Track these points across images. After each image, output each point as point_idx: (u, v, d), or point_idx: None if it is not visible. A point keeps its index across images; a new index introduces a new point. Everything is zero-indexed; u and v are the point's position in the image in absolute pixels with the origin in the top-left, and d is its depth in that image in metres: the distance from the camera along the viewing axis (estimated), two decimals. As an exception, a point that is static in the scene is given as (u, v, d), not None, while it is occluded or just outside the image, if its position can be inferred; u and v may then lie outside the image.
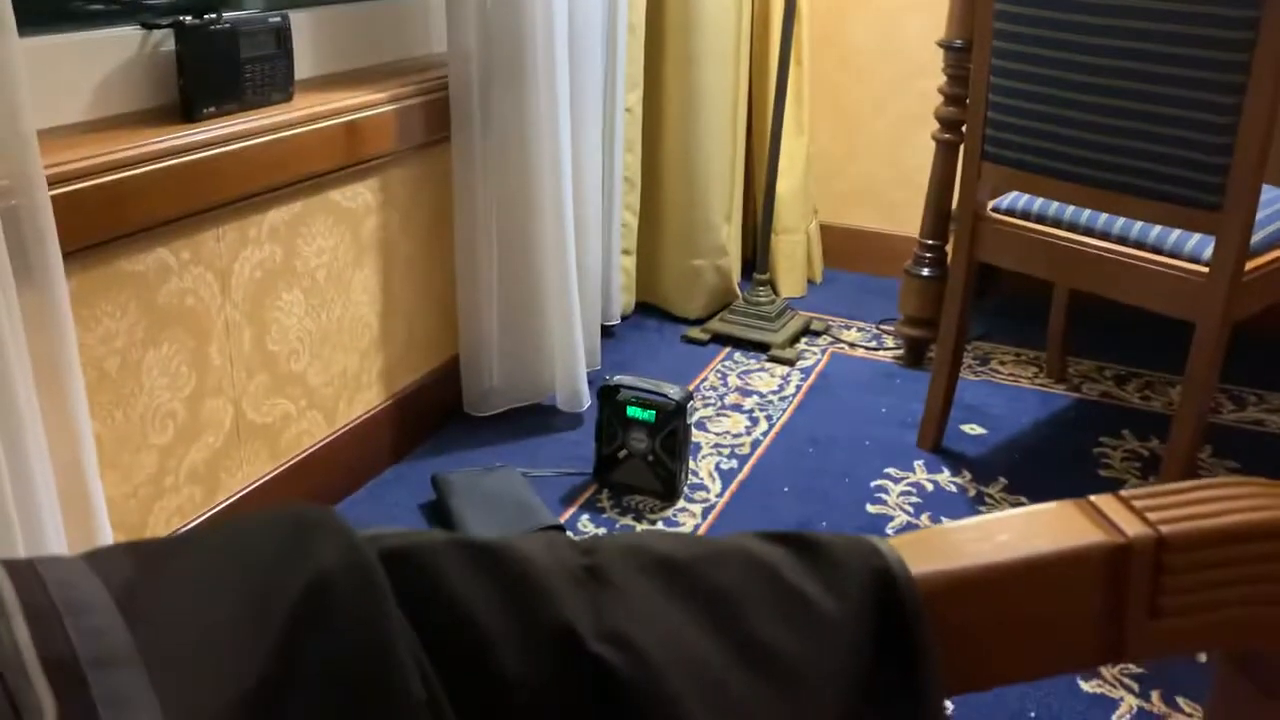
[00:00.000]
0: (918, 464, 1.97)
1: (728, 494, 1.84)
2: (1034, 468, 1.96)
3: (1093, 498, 0.40)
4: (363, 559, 0.33)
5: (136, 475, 1.37)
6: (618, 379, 1.80)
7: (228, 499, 1.52)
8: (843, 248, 2.92)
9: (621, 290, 2.44)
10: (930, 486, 1.89)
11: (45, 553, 1.09)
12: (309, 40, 1.68)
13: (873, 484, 1.89)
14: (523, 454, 1.94)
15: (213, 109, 1.42)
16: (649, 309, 2.59)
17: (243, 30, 1.44)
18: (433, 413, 1.97)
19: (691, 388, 2.22)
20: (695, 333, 2.46)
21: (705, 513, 1.78)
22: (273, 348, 1.57)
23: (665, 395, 1.76)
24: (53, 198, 1.16)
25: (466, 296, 1.94)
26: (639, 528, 1.73)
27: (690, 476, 1.88)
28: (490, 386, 2.02)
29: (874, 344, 2.49)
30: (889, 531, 1.74)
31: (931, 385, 2.01)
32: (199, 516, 1.47)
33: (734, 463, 1.94)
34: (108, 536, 1.25)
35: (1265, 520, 0.38)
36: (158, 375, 1.38)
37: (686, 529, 1.73)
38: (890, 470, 1.94)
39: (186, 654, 0.31)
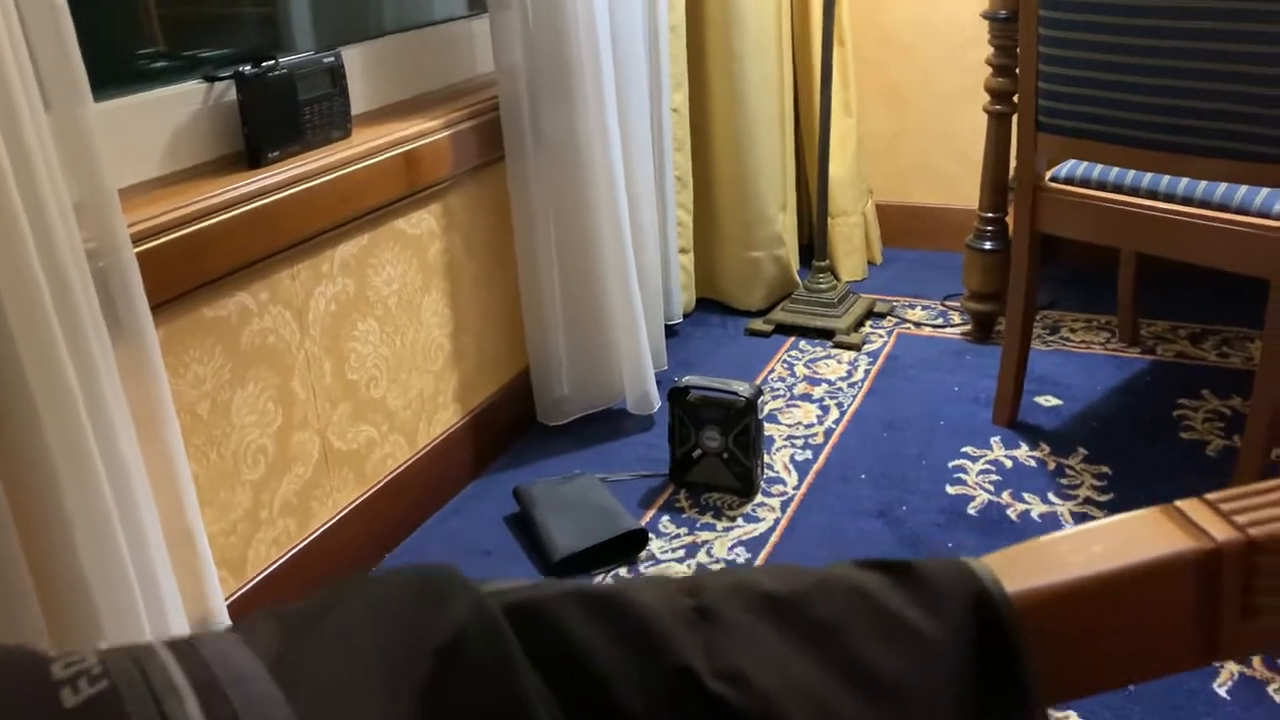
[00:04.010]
0: (994, 440, 1.96)
1: (805, 485, 1.85)
2: (1114, 435, 1.94)
3: (1179, 503, 0.41)
4: (489, 615, 0.36)
5: (233, 511, 1.42)
6: (686, 380, 1.82)
7: (321, 527, 1.57)
8: (901, 226, 2.90)
9: (682, 289, 2.45)
10: (1009, 463, 1.88)
11: (156, 593, 1.14)
12: (362, 75, 1.72)
13: (951, 464, 1.89)
14: (598, 460, 1.97)
15: (277, 153, 1.46)
16: (711, 304, 2.60)
17: (299, 74, 1.49)
18: (508, 426, 2.01)
19: (759, 381, 2.23)
20: (758, 325, 2.47)
21: (784, 506, 1.80)
22: (352, 376, 1.61)
23: (735, 393, 1.78)
24: (137, 254, 1.21)
25: (532, 310, 1.98)
26: (719, 525, 1.75)
27: (766, 470, 1.89)
28: (561, 396, 2.05)
29: (940, 321, 2.48)
30: (971, 512, 1.74)
31: (1003, 360, 1.99)
32: (295, 547, 1.52)
33: (809, 453, 1.95)
34: (211, 572, 1.30)
35: (1352, 517, 0.39)
36: (246, 414, 1.43)
37: (766, 524, 1.75)
38: (967, 449, 1.93)
39: (338, 716, 0.34)
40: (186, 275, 1.30)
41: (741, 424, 1.78)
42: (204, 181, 1.38)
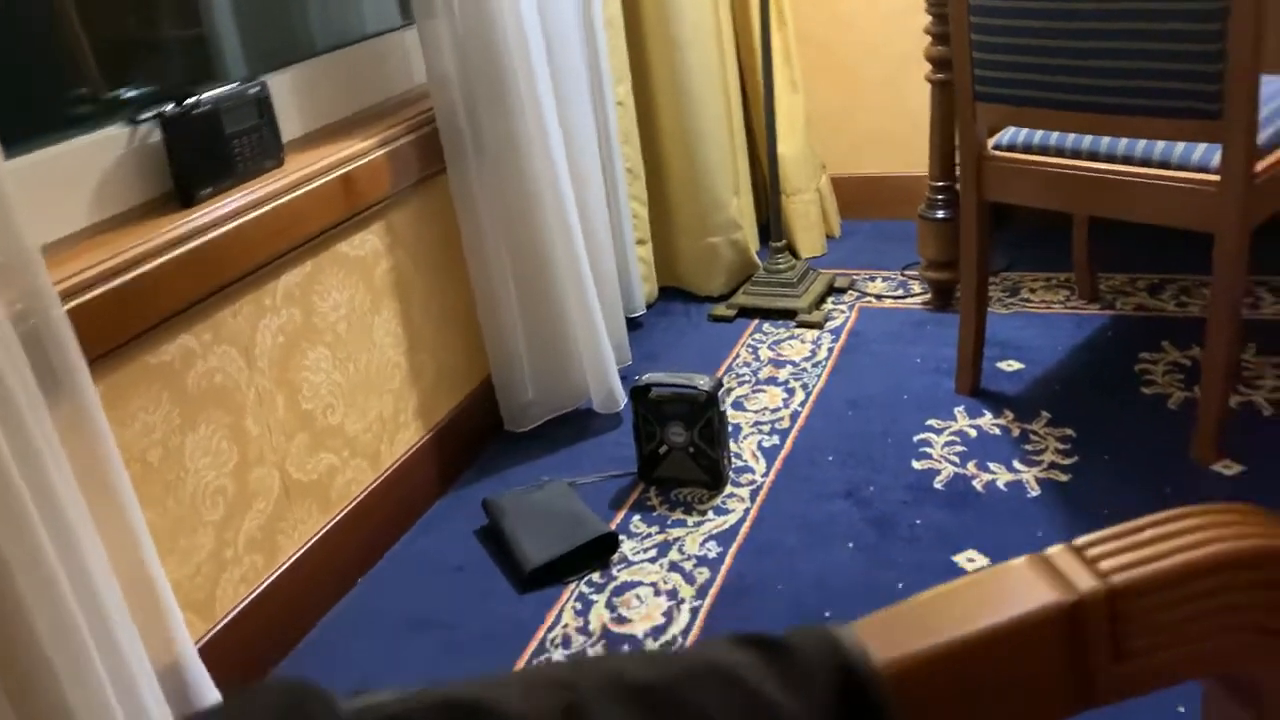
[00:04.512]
0: (958, 411, 1.96)
1: (773, 472, 1.86)
2: (1076, 396, 1.95)
3: (1048, 552, 0.41)
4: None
5: (196, 555, 1.42)
6: (647, 378, 1.82)
7: (289, 560, 1.57)
8: (858, 198, 2.90)
9: (642, 280, 2.45)
10: (973, 433, 1.89)
11: (114, 648, 1.14)
12: (292, 99, 1.70)
13: (916, 438, 1.89)
14: (567, 463, 1.97)
15: (209, 190, 1.45)
16: (673, 293, 2.60)
17: (224, 108, 1.47)
18: (475, 437, 2.01)
19: (723, 370, 2.23)
20: (720, 310, 2.47)
21: (753, 495, 1.80)
22: (307, 406, 1.60)
23: (695, 387, 1.78)
24: (70, 309, 1.20)
25: (488, 319, 1.97)
26: (689, 521, 1.75)
27: (734, 460, 1.89)
28: (526, 401, 2.05)
29: (901, 292, 2.48)
30: (938, 486, 1.75)
31: (961, 330, 2.00)
32: (264, 582, 1.52)
33: (775, 439, 1.96)
34: (177, 618, 1.29)
35: (1210, 557, 0.39)
36: (200, 456, 1.42)
37: (736, 515, 1.75)
38: (932, 421, 1.94)
39: None
40: (124, 325, 1.29)
41: (704, 418, 1.78)
42: (135, 227, 1.37)
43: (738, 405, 2.09)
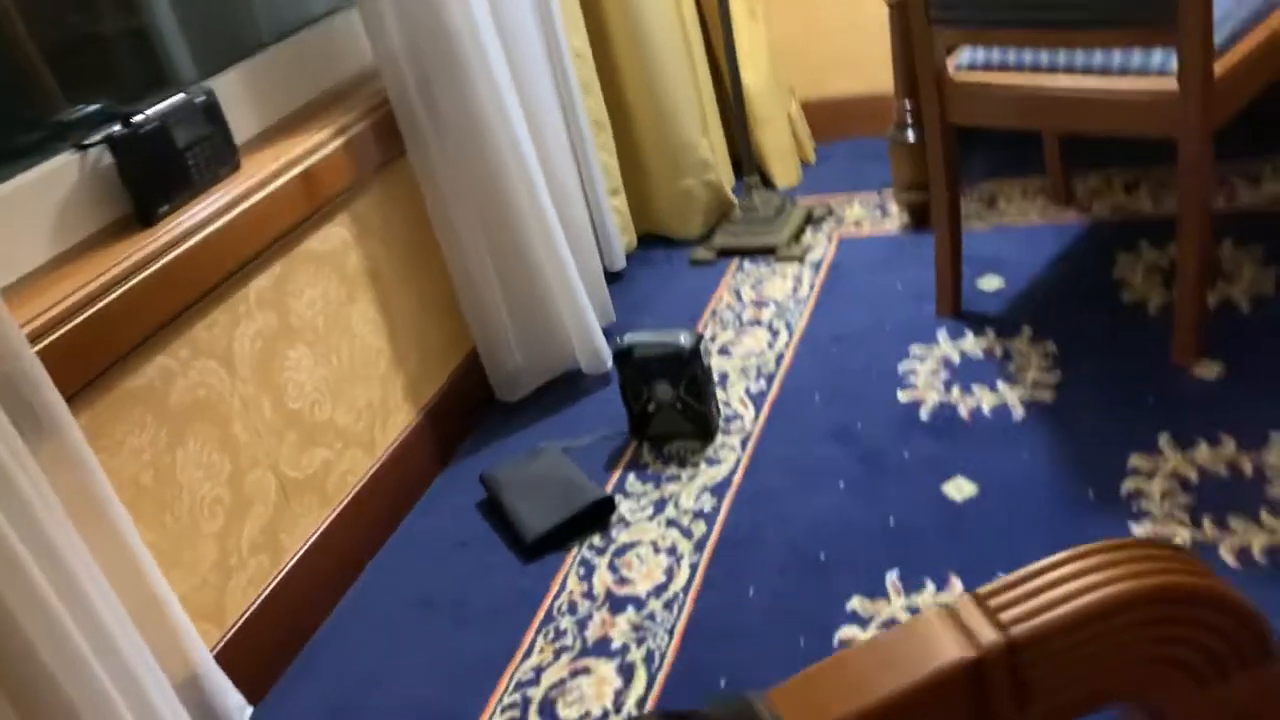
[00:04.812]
0: (940, 335, 1.97)
1: (762, 417, 1.88)
2: (1057, 309, 1.96)
3: (954, 604, 0.43)
4: None
5: (201, 566, 1.45)
6: (628, 339, 1.83)
7: (294, 556, 1.60)
8: (830, 120, 2.87)
9: (620, 231, 2.44)
10: (956, 357, 1.90)
11: (132, 681, 1.17)
12: (242, 99, 1.69)
13: (901, 369, 1.91)
14: (561, 426, 1.99)
15: (167, 207, 1.45)
16: (652, 240, 2.59)
17: (172, 121, 1.46)
18: (467, 411, 2.03)
19: (706, 314, 2.24)
20: (701, 253, 2.47)
21: (743, 443, 1.82)
22: (294, 406, 1.62)
23: (677, 343, 1.79)
24: (42, 349, 1.21)
25: (467, 293, 1.98)
26: (684, 475, 1.78)
27: (723, 409, 1.91)
28: (514, 369, 2.06)
29: (879, 214, 2.47)
30: (923, 417, 1.77)
31: (937, 256, 2.00)
32: (272, 582, 1.56)
33: (762, 383, 1.97)
34: (189, 631, 1.33)
35: (1107, 600, 0.41)
36: (193, 471, 1.44)
37: (728, 465, 1.78)
38: (915, 349, 1.95)
39: None
40: (98, 356, 1.30)
41: (688, 373, 1.80)
42: (97, 255, 1.37)
43: (724, 351, 2.10)
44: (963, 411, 1.76)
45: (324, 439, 1.68)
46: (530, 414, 2.05)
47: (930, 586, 1.44)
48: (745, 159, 2.44)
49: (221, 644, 1.46)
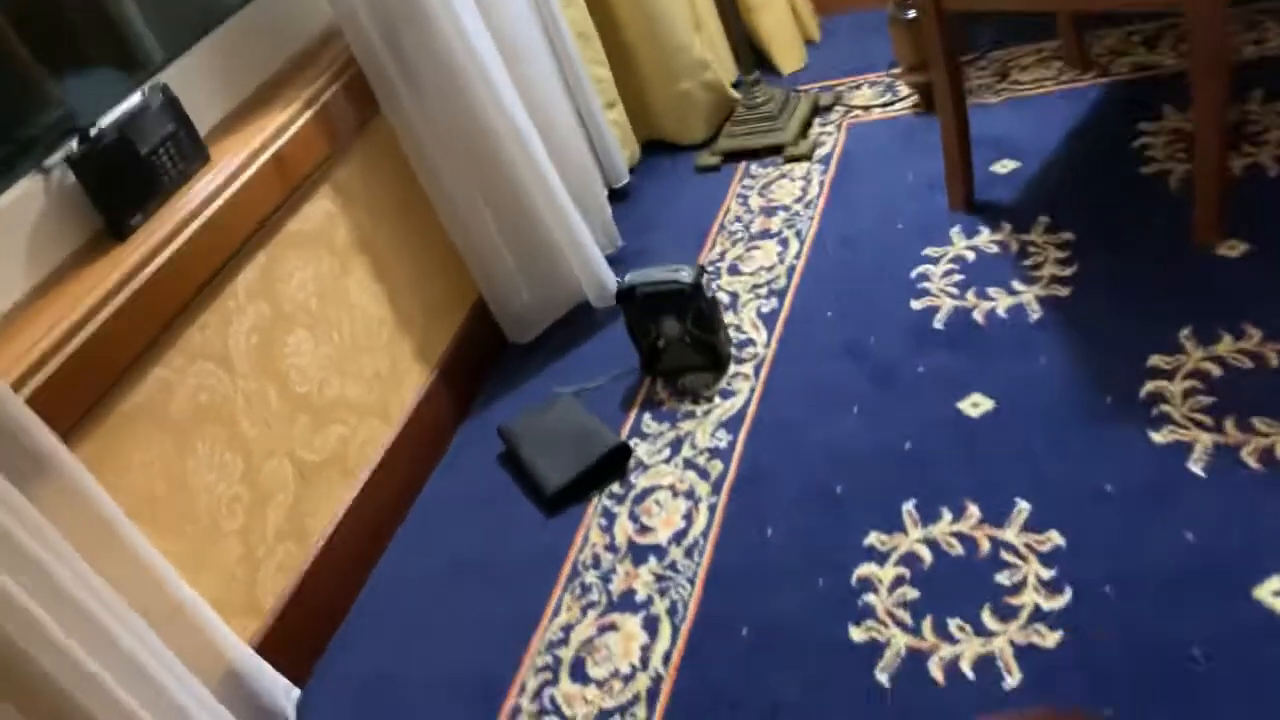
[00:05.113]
0: (954, 233, 1.90)
1: (773, 340, 1.84)
2: (1074, 191, 1.87)
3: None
4: None
5: (228, 562, 1.49)
6: (629, 278, 1.80)
7: (322, 538, 1.63)
8: (831, -8, 2.73)
9: (621, 145, 2.37)
10: (971, 255, 1.84)
11: (150, 683, 1.21)
12: (202, 84, 1.65)
13: (913, 273, 1.85)
14: (575, 367, 1.98)
15: (139, 217, 1.43)
16: (656, 147, 2.52)
17: (131, 127, 1.43)
18: (481, 359, 2.03)
19: (714, 234, 2.18)
20: (705, 159, 2.39)
21: (756, 370, 1.80)
22: (300, 390, 1.63)
23: (678, 280, 1.75)
24: (32, 392, 1.23)
25: (463, 240, 1.95)
26: (698, 410, 1.77)
27: (735, 334, 1.88)
28: (522, 310, 2.04)
29: (888, 97, 2.37)
30: (937, 326, 1.72)
31: (945, 148, 1.91)
32: (303, 567, 1.59)
33: (773, 302, 1.93)
34: (223, 631, 1.38)
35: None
36: (206, 474, 1.47)
37: (742, 395, 1.76)
38: (928, 251, 1.89)
39: None
40: (91, 385, 1.31)
41: (693, 308, 1.77)
42: (74, 281, 1.37)
43: (734, 270, 2.05)
44: (978, 316, 1.71)
45: (337, 415, 1.69)
46: (543, 355, 2.04)
47: (947, 516, 1.43)
48: (742, 56, 2.34)
49: (262, 635, 1.51)
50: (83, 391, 1.30)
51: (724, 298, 1.99)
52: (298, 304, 1.64)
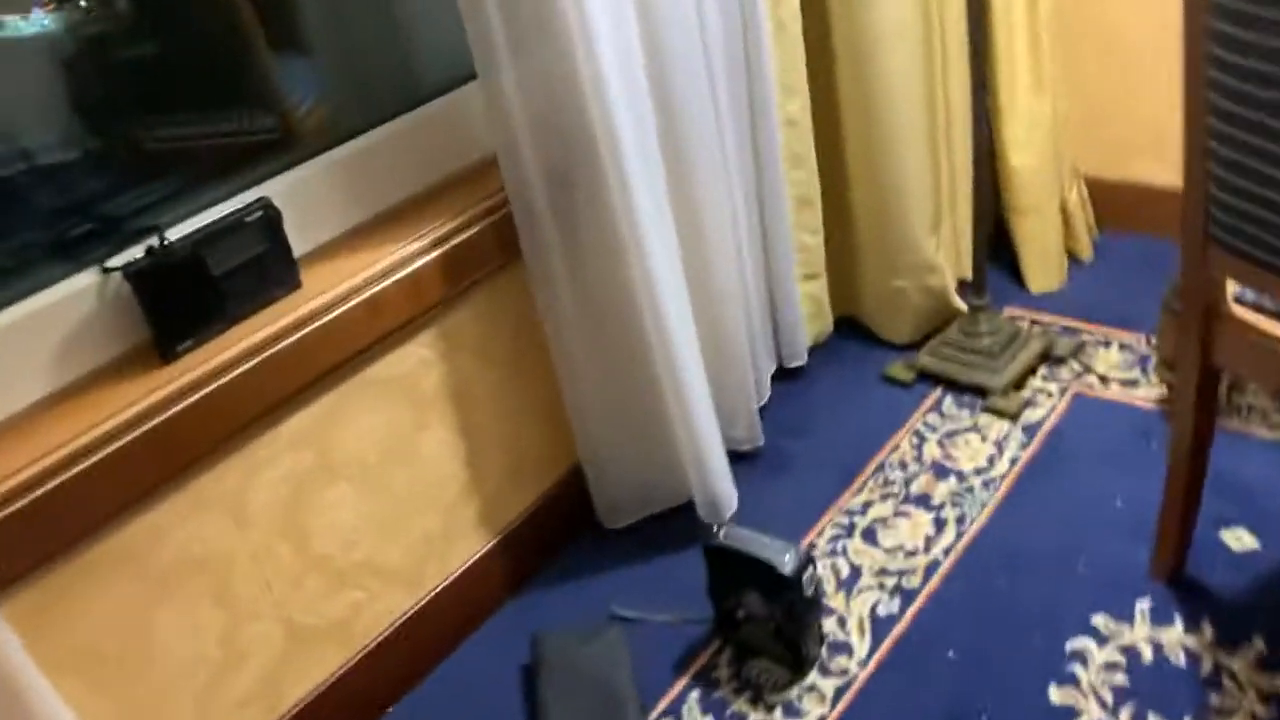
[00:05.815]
0: (1140, 608, 1.52)
1: (873, 662, 1.52)
2: (1314, 621, 1.45)
3: None
4: None
5: (174, 726, 1.33)
6: (724, 536, 1.51)
7: (298, 707, 1.46)
8: (1126, 206, 2.30)
9: (809, 319, 2.07)
10: (1148, 652, 1.45)
11: None
12: (325, 193, 1.46)
13: (1070, 645, 1.48)
14: (653, 579, 1.72)
15: (189, 343, 1.27)
16: (851, 329, 2.19)
17: (208, 246, 1.27)
18: (557, 533, 1.80)
19: (868, 471, 1.85)
20: (898, 370, 2.06)
21: (838, 694, 1.49)
22: (323, 550, 1.45)
23: (777, 562, 1.46)
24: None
25: (576, 403, 1.71)
26: (752, 716, 1.48)
27: (833, 627, 1.58)
28: (617, 494, 1.80)
29: (1135, 373, 1.95)
30: (1067, 743, 1.36)
31: (1166, 497, 1.52)
32: (259, 737, 1.43)
33: (896, 604, 1.60)
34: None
35: None
36: (174, 631, 1.31)
37: (812, 718, 1.46)
38: (1099, 620, 1.51)
39: None
40: (57, 534, 1.17)
41: (786, 599, 1.47)
42: (93, 397, 1.22)
43: (869, 535, 1.73)
44: (1122, 753, 1.34)
45: (357, 581, 1.51)
46: (626, 551, 1.79)
47: None
48: (977, 274, 1.98)
49: (183, 810, 1.35)
50: (46, 540, 1.16)
51: (843, 568, 1.67)
52: (350, 455, 1.46)
